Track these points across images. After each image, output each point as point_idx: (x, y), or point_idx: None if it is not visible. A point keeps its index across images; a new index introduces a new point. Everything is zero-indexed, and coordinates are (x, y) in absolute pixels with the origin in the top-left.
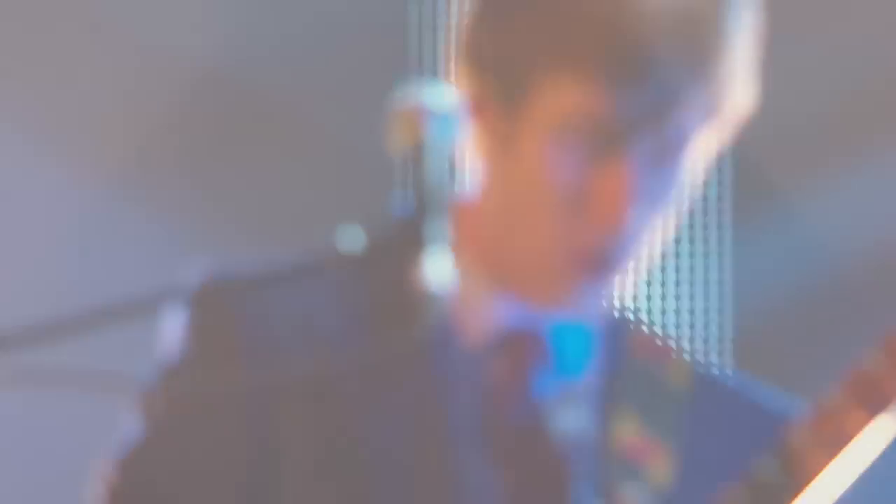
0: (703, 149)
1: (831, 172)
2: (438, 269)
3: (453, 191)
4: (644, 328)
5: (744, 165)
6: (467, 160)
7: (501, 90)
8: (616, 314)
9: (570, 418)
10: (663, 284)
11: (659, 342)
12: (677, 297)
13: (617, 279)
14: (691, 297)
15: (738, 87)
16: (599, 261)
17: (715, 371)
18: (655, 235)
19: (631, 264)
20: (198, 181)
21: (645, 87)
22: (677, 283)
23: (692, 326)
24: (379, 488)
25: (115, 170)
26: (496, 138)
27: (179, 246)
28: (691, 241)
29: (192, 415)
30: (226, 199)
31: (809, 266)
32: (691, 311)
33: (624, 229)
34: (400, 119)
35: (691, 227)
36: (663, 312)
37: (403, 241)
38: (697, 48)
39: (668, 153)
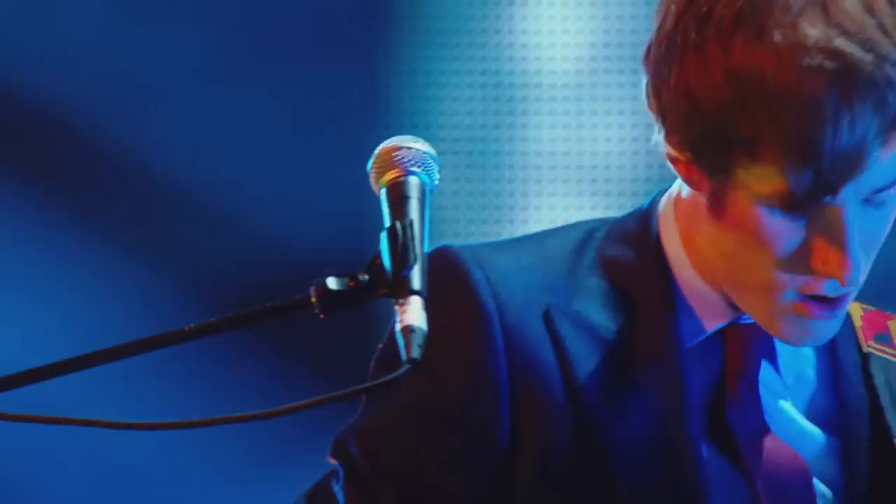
0: None
1: None
2: (417, 310)
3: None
4: (857, 302)
5: None
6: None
7: (710, 163)
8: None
9: (801, 417)
10: None
11: (875, 311)
12: None
13: (850, 302)
14: None
15: None
16: (828, 301)
17: None
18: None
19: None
20: None
21: (846, 158)
22: None
23: None
24: (619, 482)
25: None
26: (706, 198)
27: None
28: None
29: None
30: None
31: None
32: None
33: (849, 277)
34: (380, 158)
35: None
36: None
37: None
38: (883, 106)
39: (874, 195)
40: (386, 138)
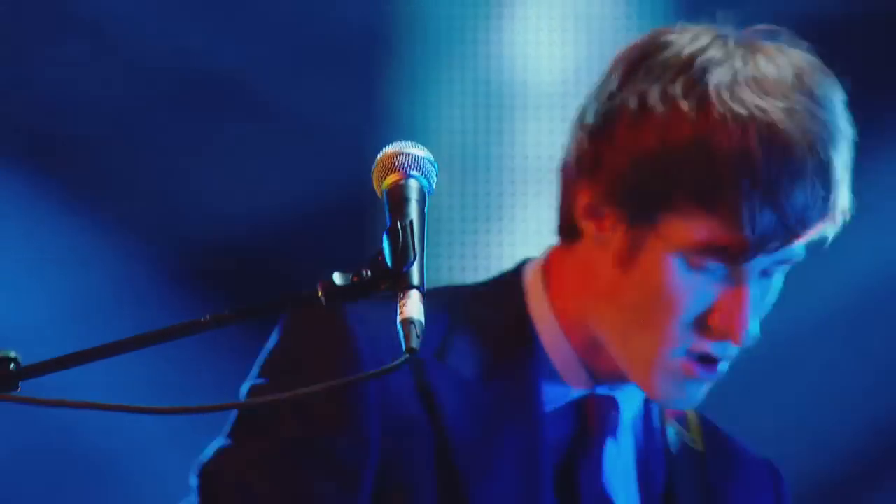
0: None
1: None
2: (416, 304)
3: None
4: None
5: None
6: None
7: (630, 215)
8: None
9: (628, 481)
10: None
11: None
12: None
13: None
14: None
15: (844, 202)
16: (710, 362)
17: (711, 423)
18: None
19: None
20: None
21: (775, 226)
22: None
23: None
24: None
25: None
26: (613, 249)
27: None
28: None
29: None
30: None
31: None
32: None
33: (744, 339)
34: (382, 162)
35: None
36: None
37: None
38: (822, 185)
39: (774, 267)
40: (387, 144)
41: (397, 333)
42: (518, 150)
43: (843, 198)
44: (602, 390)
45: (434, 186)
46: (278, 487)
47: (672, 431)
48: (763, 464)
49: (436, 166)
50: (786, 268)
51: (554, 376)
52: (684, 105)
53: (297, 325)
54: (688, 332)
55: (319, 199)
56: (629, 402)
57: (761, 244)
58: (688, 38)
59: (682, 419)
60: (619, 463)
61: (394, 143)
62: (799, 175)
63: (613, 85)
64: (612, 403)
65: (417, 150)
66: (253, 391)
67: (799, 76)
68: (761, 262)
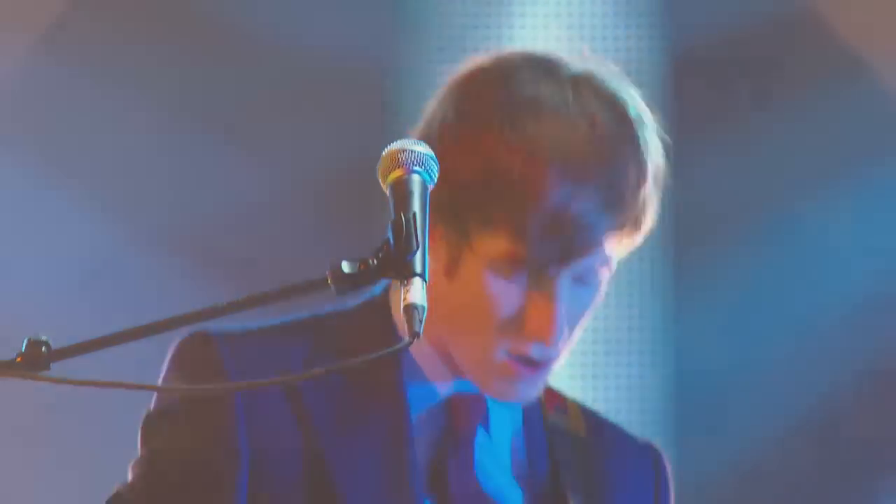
0: (615, 260)
1: None
2: (419, 290)
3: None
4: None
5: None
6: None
7: (450, 230)
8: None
9: (504, 475)
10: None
11: (554, 391)
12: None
13: (552, 370)
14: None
15: (643, 216)
16: (533, 363)
17: (592, 410)
18: (580, 332)
19: (562, 358)
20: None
21: (562, 241)
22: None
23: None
24: None
25: None
26: (441, 260)
27: None
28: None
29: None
30: None
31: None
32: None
33: (554, 341)
34: (387, 158)
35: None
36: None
37: (387, 271)
38: (609, 203)
39: (586, 275)
40: (391, 142)
41: (264, 353)
42: None
43: (634, 214)
44: (468, 388)
45: (435, 181)
46: (154, 495)
47: (554, 419)
48: (644, 445)
49: (437, 162)
50: (602, 274)
51: (421, 378)
52: (493, 133)
53: (174, 356)
54: (505, 336)
55: (330, 190)
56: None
57: (549, 258)
58: (496, 68)
59: (561, 408)
60: (493, 455)
61: (398, 141)
62: (579, 196)
63: (431, 111)
64: (477, 399)
65: (420, 148)
66: (145, 417)
67: (587, 97)
68: (566, 271)
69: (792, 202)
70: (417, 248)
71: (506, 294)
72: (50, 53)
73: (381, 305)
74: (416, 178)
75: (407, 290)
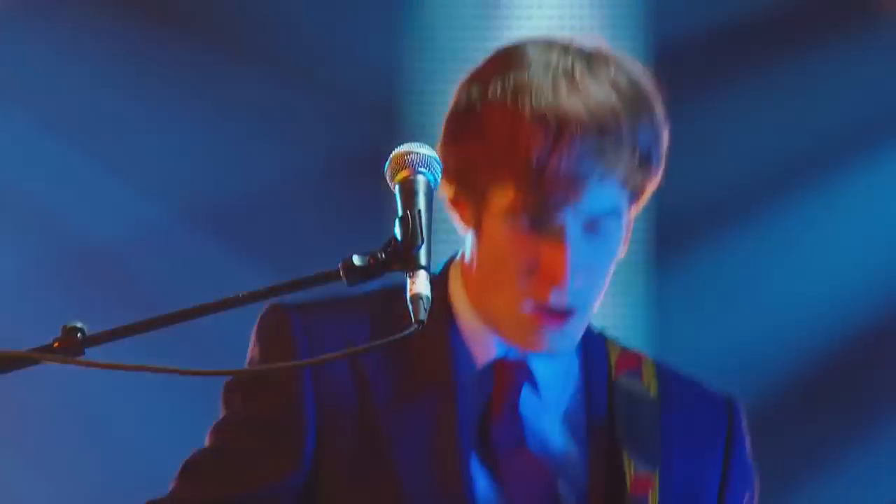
0: (628, 218)
1: None
2: (423, 281)
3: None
4: (618, 345)
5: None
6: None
7: (468, 192)
8: (594, 340)
9: (556, 433)
10: None
11: (631, 353)
12: None
13: (580, 321)
14: None
15: (647, 169)
16: (554, 311)
17: (671, 369)
18: (603, 283)
19: (591, 308)
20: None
21: (555, 184)
22: None
23: None
24: (400, 481)
25: None
26: (468, 223)
27: None
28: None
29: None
30: None
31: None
32: None
33: (566, 286)
34: (394, 160)
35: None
36: None
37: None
38: (592, 150)
39: (595, 225)
40: (398, 145)
41: (331, 323)
42: None
43: (622, 161)
44: (514, 355)
45: (439, 181)
46: (225, 457)
47: (621, 380)
48: (718, 399)
49: (440, 164)
50: (614, 220)
51: (468, 344)
52: (496, 102)
53: (256, 326)
54: (527, 287)
55: (342, 192)
56: (548, 360)
57: (548, 201)
58: (502, 48)
59: (634, 369)
60: (542, 413)
61: (404, 145)
62: (563, 144)
63: (454, 92)
64: (521, 366)
65: (425, 150)
66: (226, 382)
67: (575, 58)
68: (574, 216)
69: (771, 196)
70: (422, 242)
71: (521, 245)
72: (78, 41)
73: (440, 283)
74: (421, 178)
75: (413, 282)
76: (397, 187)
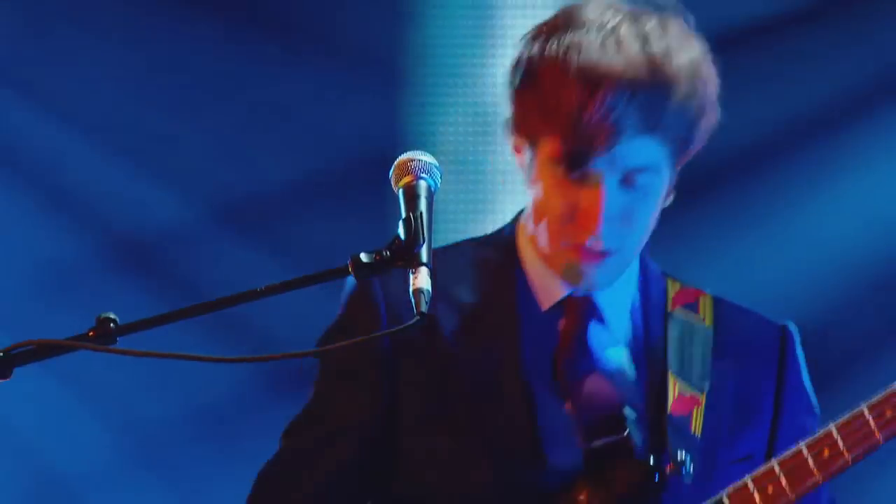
0: (671, 172)
1: None
2: (424, 277)
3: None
4: (679, 282)
5: None
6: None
7: (525, 141)
8: (655, 278)
9: (621, 361)
10: None
11: (691, 289)
12: None
13: (618, 261)
14: None
15: (689, 126)
16: (592, 253)
17: (729, 302)
18: (644, 229)
19: (632, 250)
20: None
21: (596, 138)
22: None
23: None
24: (475, 416)
25: None
26: (525, 170)
27: None
28: None
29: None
30: None
31: None
32: None
33: (600, 234)
34: (398, 167)
35: None
36: None
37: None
38: (628, 104)
39: (631, 178)
40: (402, 153)
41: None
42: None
43: (657, 118)
44: (580, 292)
45: (439, 186)
46: (321, 400)
47: (677, 313)
48: (773, 325)
49: (440, 170)
50: (651, 175)
51: (533, 291)
52: (546, 61)
53: (344, 298)
54: (567, 227)
55: (349, 197)
56: (612, 296)
57: (585, 148)
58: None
59: (692, 303)
60: (611, 348)
61: (407, 152)
62: (600, 96)
63: (521, 45)
64: (587, 301)
65: (427, 158)
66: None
67: (623, 21)
68: (610, 168)
69: (767, 174)
70: (424, 241)
71: (563, 191)
72: (108, 49)
73: (508, 242)
74: (423, 183)
75: (415, 277)
76: (401, 191)
